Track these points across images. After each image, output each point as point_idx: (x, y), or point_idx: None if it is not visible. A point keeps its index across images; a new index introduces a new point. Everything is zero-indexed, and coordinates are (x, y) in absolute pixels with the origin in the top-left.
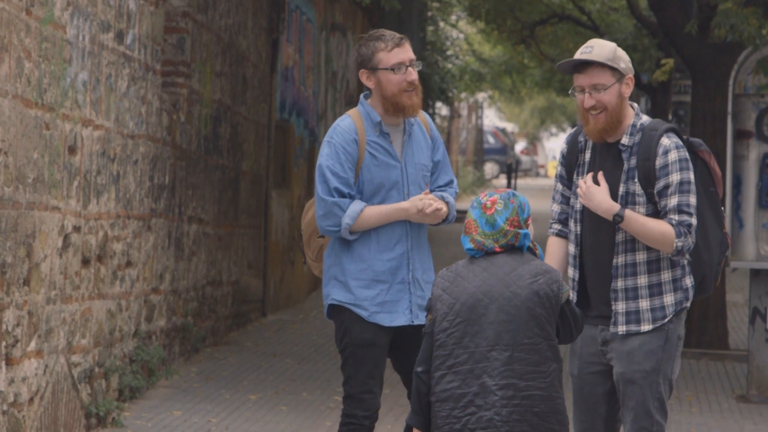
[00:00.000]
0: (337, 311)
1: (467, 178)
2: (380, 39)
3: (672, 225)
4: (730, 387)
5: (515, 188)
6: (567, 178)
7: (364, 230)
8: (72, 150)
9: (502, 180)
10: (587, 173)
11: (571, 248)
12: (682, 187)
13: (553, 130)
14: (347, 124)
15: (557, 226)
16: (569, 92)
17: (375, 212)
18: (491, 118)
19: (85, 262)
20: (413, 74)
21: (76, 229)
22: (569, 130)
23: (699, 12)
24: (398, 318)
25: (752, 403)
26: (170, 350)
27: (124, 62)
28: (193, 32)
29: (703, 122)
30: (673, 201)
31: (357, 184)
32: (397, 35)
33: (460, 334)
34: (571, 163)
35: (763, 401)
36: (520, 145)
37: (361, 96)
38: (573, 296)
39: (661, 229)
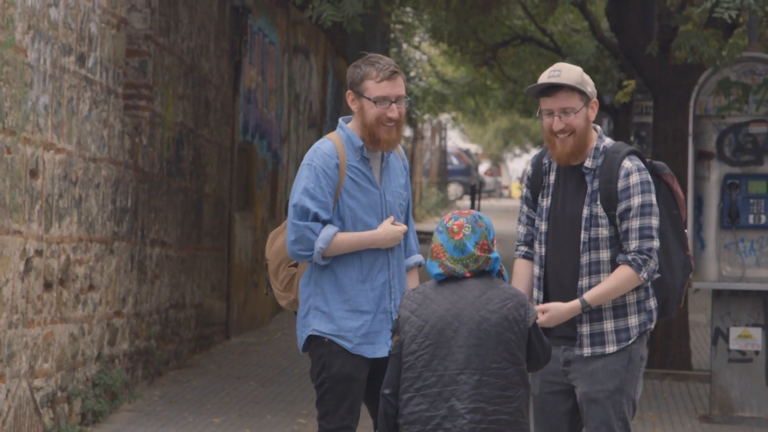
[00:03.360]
0: (315, 344)
1: (431, 199)
2: (373, 66)
3: (627, 263)
4: (693, 407)
5: (479, 209)
6: (532, 200)
7: (335, 255)
8: (34, 173)
9: (466, 201)
10: (551, 195)
11: (536, 270)
12: (644, 210)
13: (517, 151)
14: (328, 147)
15: (523, 248)
16: (537, 115)
17: (348, 238)
18: (455, 140)
19: (48, 285)
20: (395, 111)
21: (38, 252)
22: (533, 151)
23: (660, 34)
24: (380, 349)
25: (715, 423)
26: (133, 374)
27: (86, 85)
28: (155, 55)
29: (665, 143)
30: (634, 224)
31: (336, 210)
32: (392, 67)
33: (429, 357)
34: (536, 185)
35: (726, 421)
36: (483, 166)
37: (340, 120)
38: None
39: (620, 278)
